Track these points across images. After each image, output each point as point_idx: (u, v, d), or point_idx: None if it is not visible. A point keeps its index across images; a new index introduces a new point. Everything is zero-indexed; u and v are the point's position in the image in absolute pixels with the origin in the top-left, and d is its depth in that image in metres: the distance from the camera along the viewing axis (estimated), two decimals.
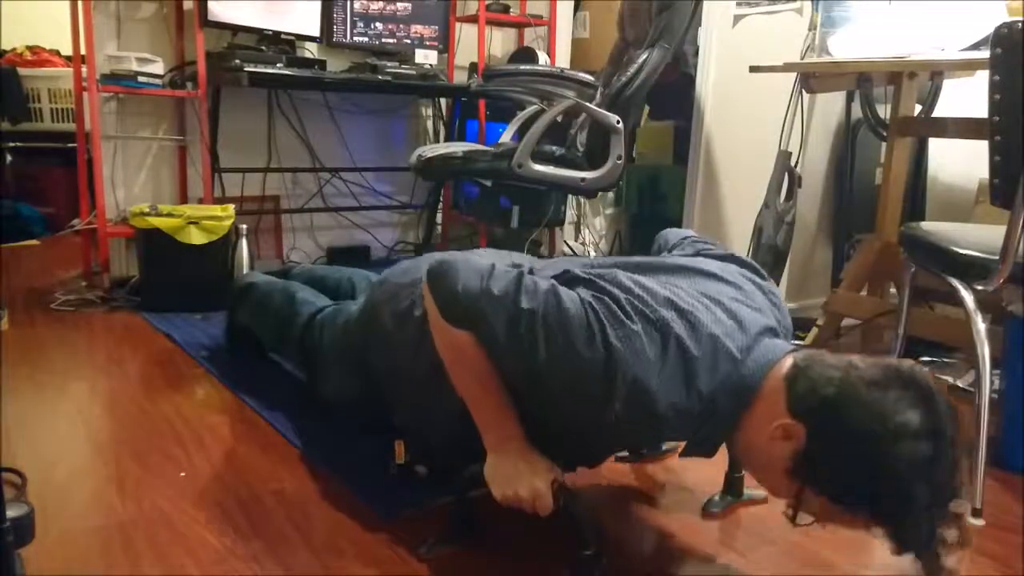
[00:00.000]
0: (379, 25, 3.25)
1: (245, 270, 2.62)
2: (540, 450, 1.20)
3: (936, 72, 2.45)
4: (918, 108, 2.50)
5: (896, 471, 0.94)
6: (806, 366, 1.04)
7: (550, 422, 1.19)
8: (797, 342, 2.39)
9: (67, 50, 3.32)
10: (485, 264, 1.16)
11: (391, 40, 3.29)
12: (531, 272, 1.18)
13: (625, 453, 1.61)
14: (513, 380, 1.17)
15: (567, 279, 1.17)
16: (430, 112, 3.70)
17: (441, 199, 3.61)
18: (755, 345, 1.10)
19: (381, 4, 3.23)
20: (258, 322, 1.99)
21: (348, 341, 1.63)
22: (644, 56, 2.54)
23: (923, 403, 0.95)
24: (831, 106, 2.69)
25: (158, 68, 2.75)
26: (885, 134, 2.56)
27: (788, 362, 1.07)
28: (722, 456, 1.45)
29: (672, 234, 1.52)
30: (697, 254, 1.35)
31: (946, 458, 0.95)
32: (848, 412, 0.97)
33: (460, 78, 3.55)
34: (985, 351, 1.48)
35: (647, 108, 3.59)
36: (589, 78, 2.77)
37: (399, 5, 3.27)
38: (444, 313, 1.17)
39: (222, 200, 2.94)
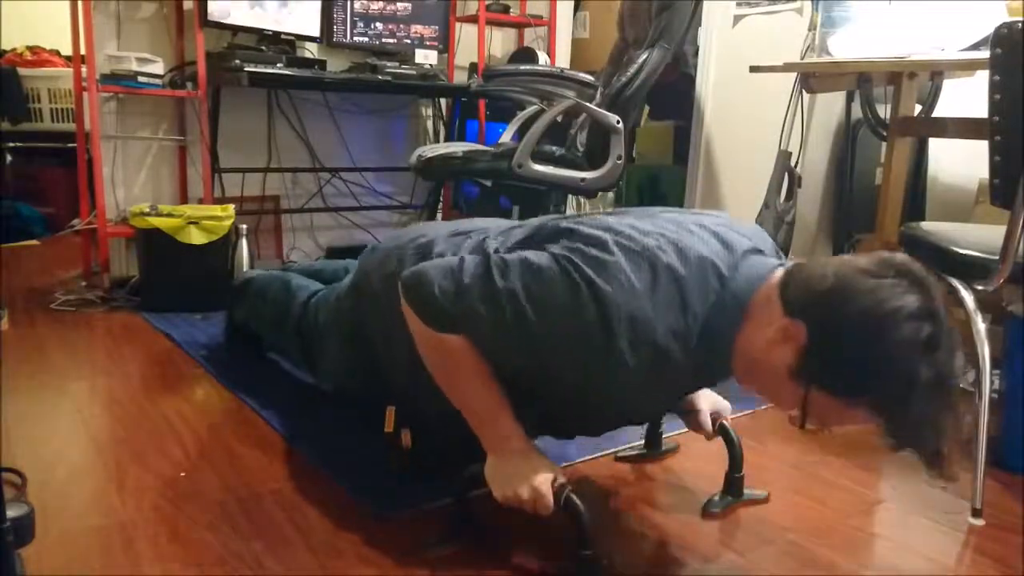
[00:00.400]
0: (379, 25, 3.25)
1: (245, 270, 2.62)
2: (549, 427, 1.19)
3: (936, 72, 2.45)
4: (918, 108, 2.50)
5: (898, 351, 0.94)
6: (797, 269, 1.06)
7: (555, 388, 1.18)
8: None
9: (67, 50, 3.32)
10: (452, 261, 1.17)
11: (391, 40, 3.29)
12: (513, 243, 1.19)
13: (625, 453, 1.62)
14: (515, 366, 1.16)
15: (548, 231, 1.17)
16: (430, 112, 3.70)
17: (441, 199, 3.61)
18: (742, 262, 1.11)
19: (381, 4, 3.23)
20: (256, 312, 2.00)
21: (341, 310, 1.63)
22: (644, 56, 2.54)
23: (918, 288, 0.97)
24: (831, 106, 2.69)
25: (158, 68, 2.75)
26: (885, 134, 2.56)
27: (778, 273, 1.09)
28: (722, 456, 1.45)
29: None
30: None
31: (945, 339, 0.96)
32: (846, 301, 0.98)
33: (460, 78, 3.55)
34: (985, 351, 1.48)
35: (647, 108, 3.59)
36: (589, 78, 2.77)
37: (399, 5, 3.27)
38: (427, 320, 1.17)
39: (222, 200, 2.94)
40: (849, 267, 1.00)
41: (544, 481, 1.15)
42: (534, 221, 1.35)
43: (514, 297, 1.08)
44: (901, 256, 1.01)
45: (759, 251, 1.16)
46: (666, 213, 1.22)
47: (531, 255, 1.12)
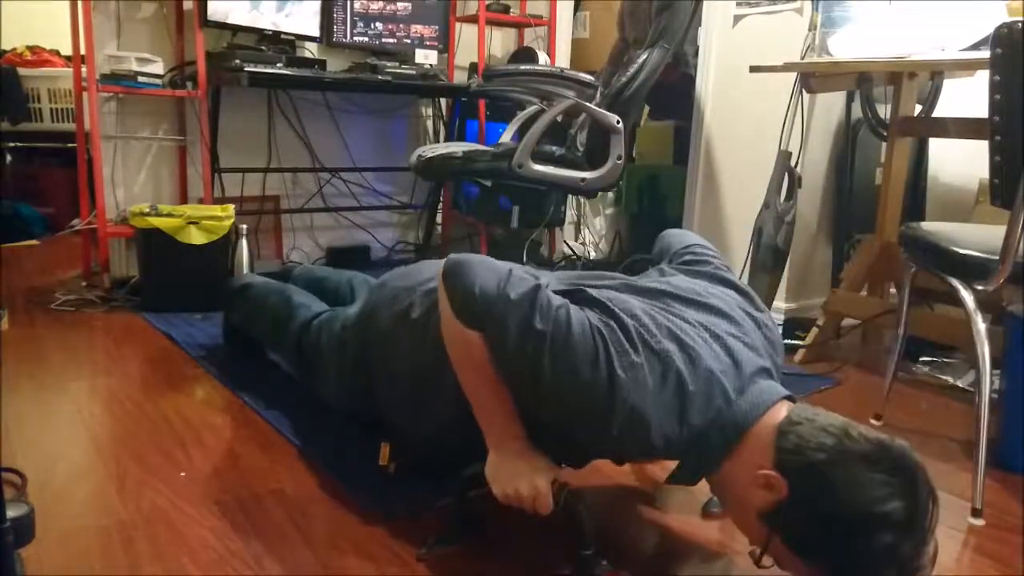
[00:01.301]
0: (379, 25, 3.25)
1: (245, 270, 2.63)
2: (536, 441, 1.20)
3: (936, 72, 2.45)
4: (918, 108, 2.51)
5: (868, 553, 0.95)
6: (800, 423, 1.04)
7: (544, 424, 1.19)
8: (798, 342, 2.40)
9: (67, 50, 3.32)
10: (503, 267, 1.16)
11: (391, 40, 3.29)
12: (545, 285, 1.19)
13: None
14: (513, 385, 1.17)
15: (580, 299, 1.16)
16: (430, 112, 3.70)
17: (441, 199, 3.61)
18: (749, 386, 1.11)
19: (381, 4, 3.23)
20: (254, 321, 2.00)
21: (345, 342, 1.63)
22: (644, 56, 2.54)
23: (909, 495, 0.96)
24: (831, 106, 2.69)
25: (158, 68, 2.75)
26: (885, 134, 2.56)
27: (781, 411, 1.08)
28: None
29: (675, 238, 1.51)
30: (696, 269, 1.35)
31: (918, 551, 0.96)
32: (833, 484, 0.97)
33: (460, 78, 3.55)
34: (985, 351, 1.49)
35: (647, 108, 3.59)
36: (589, 78, 2.77)
37: (399, 5, 3.27)
38: (457, 311, 1.16)
39: (222, 200, 2.94)
40: (848, 446, 0.99)
41: (544, 480, 1.16)
42: (562, 276, 1.36)
43: (542, 335, 1.08)
44: (900, 446, 0.99)
45: (767, 371, 1.16)
46: (680, 303, 1.20)
47: (573, 311, 1.11)
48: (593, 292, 1.17)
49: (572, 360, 1.06)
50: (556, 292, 1.16)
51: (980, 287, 1.50)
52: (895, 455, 0.98)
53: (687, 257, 1.41)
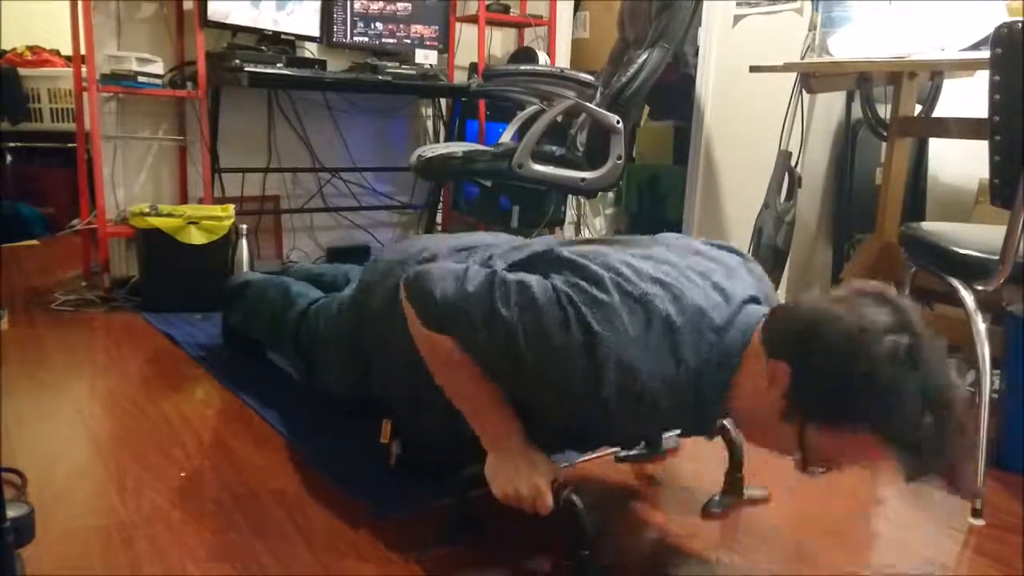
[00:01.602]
0: (379, 25, 3.25)
1: (245, 270, 2.62)
2: (532, 433, 1.20)
3: (936, 72, 2.45)
4: (918, 108, 2.50)
5: (880, 368, 0.94)
6: (775, 311, 1.07)
7: (540, 411, 1.19)
8: None
9: (67, 50, 3.32)
10: (458, 267, 1.18)
11: (391, 40, 3.29)
12: (513, 264, 1.20)
13: (625, 453, 1.62)
14: (497, 377, 1.17)
15: (550, 259, 1.17)
16: (430, 112, 3.70)
17: (441, 199, 3.61)
18: (738, 315, 1.11)
19: (381, 4, 3.23)
20: (253, 316, 2.00)
21: (342, 322, 1.63)
22: (644, 56, 2.54)
23: (889, 306, 0.98)
24: (831, 106, 2.68)
25: (158, 68, 2.75)
26: (885, 134, 2.56)
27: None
28: (722, 456, 1.45)
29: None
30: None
31: (927, 350, 0.96)
32: (820, 330, 0.98)
33: (460, 78, 3.55)
34: (985, 351, 1.49)
35: (647, 108, 3.59)
36: (589, 78, 2.77)
37: (399, 5, 3.27)
38: (422, 319, 1.17)
39: (222, 200, 2.94)
40: (822, 300, 1.02)
41: (544, 480, 1.16)
42: (537, 243, 1.35)
43: (510, 322, 1.09)
44: (873, 283, 1.01)
45: (756, 300, 1.16)
46: (668, 250, 1.20)
47: (533, 282, 1.11)
48: (564, 251, 1.17)
49: (544, 330, 1.06)
50: (518, 264, 1.17)
51: (980, 287, 1.50)
52: (868, 288, 1.00)
53: None
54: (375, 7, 3.22)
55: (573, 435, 1.27)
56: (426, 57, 3.30)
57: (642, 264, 1.13)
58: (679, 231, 3.06)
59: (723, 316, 1.09)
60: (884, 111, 2.63)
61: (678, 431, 1.47)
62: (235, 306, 2.07)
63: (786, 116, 2.39)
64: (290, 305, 1.83)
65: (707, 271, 1.15)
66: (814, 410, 0.99)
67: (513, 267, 1.23)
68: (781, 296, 2.60)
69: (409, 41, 3.32)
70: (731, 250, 1.28)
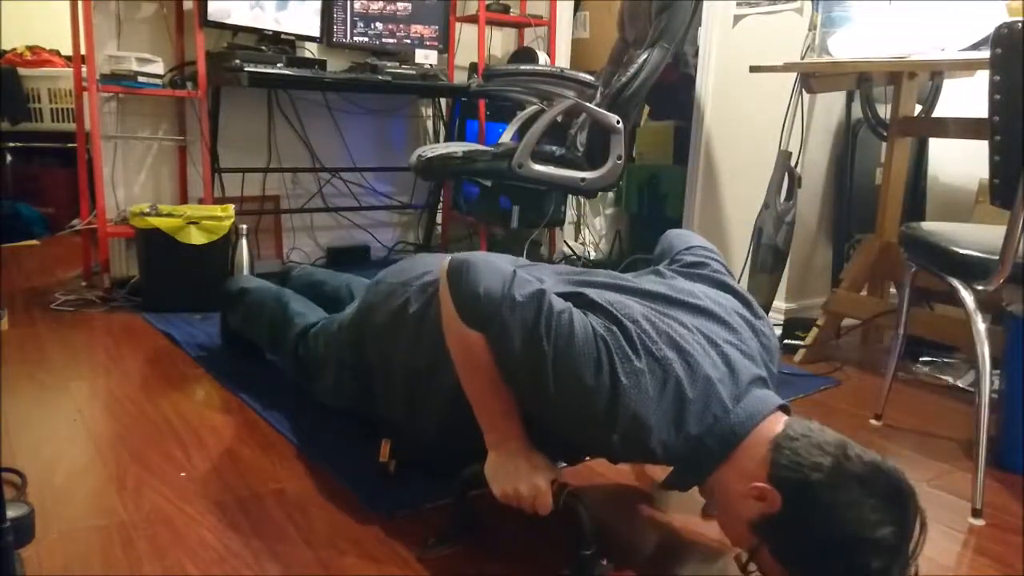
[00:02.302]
0: (379, 25, 3.25)
1: (245, 270, 2.62)
2: (534, 437, 1.21)
3: (936, 72, 2.45)
4: (918, 108, 2.50)
5: (855, 572, 0.96)
6: (796, 439, 1.04)
7: (542, 424, 1.20)
8: (798, 342, 2.40)
9: (67, 50, 3.32)
10: (507, 269, 1.16)
11: (391, 40, 3.29)
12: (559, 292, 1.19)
13: None
14: (515, 387, 1.17)
15: (581, 303, 1.16)
16: (430, 112, 3.70)
17: (441, 199, 3.61)
18: (745, 395, 1.11)
19: (381, 4, 3.23)
20: (252, 327, 2.01)
21: (342, 340, 1.63)
22: (644, 56, 2.54)
23: (900, 522, 0.97)
24: (831, 106, 2.68)
25: (158, 68, 2.75)
26: (885, 134, 2.56)
27: (777, 423, 1.09)
28: None
29: (677, 239, 1.51)
30: (695, 272, 1.35)
31: (899, 569, 0.97)
32: (827, 505, 0.98)
33: (460, 78, 3.55)
34: (985, 351, 1.48)
35: (647, 108, 3.59)
36: (589, 78, 2.77)
37: (399, 5, 3.27)
38: (461, 313, 1.16)
39: (222, 200, 2.94)
40: (845, 467, 0.99)
41: (544, 480, 1.16)
42: (562, 272, 1.34)
43: (547, 340, 1.09)
44: (895, 470, 0.99)
45: (763, 380, 1.17)
46: (681, 305, 1.20)
47: (576, 316, 1.11)
48: (594, 295, 1.17)
49: (576, 366, 1.07)
50: (558, 295, 1.16)
51: (980, 287, 1.50)
52: (891, 479, 0.98)
53: (688, 258, 1.40)
54: (375, 7, 3.22)
55: (567, 452, 1.31)
56: (426, 57, 3.30)
57: (659, 321, 1.13)
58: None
59: (730, 393, 1.10)
60: (884, 111, 2.63)
61: None
62: (232, 311, 2.07)
63: (786, 116, 2.39)
64: (288, 323, 1.83)
65: (715, 336, 1.16)
66: (780, 549, 1.03)
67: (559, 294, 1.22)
68: (781, 297, 2.61)
69: (409, 41, 3.32)
70: (735, 293, 1.29)
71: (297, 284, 2.12)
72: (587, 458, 1.51)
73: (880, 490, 0.97)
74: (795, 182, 2.39)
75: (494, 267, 1.16)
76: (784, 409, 1.14)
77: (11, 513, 0.91)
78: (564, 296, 1.17)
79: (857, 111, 2.72)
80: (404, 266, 1.57)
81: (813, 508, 0.99)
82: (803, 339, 2.42)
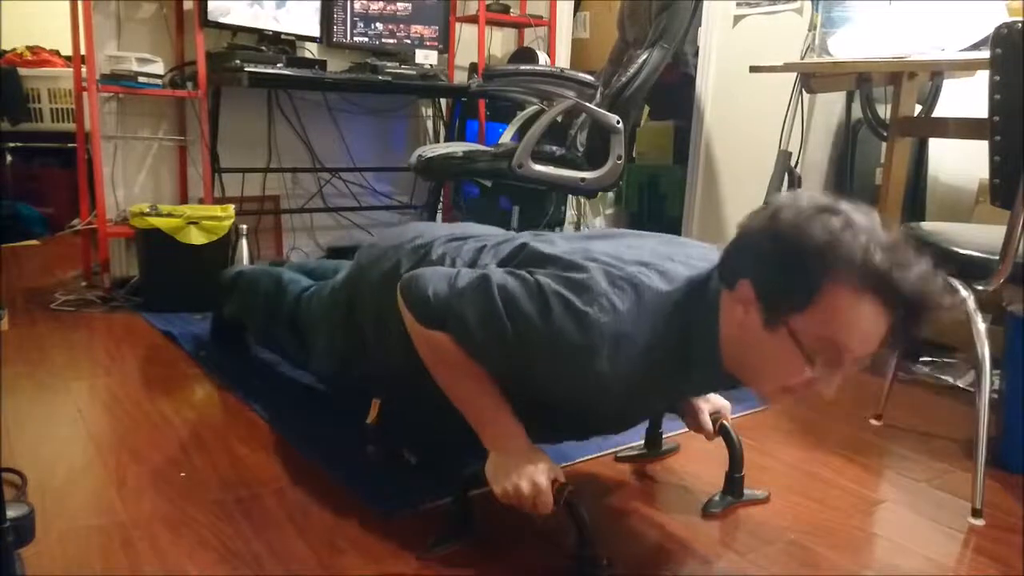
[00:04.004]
0: (379, 25, 3.25)
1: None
2: (530, 426, 1.22)
3: (936, 72, 2.45)
4: (918, 108, 2.50)
5: (819, 232, 0.98)
6: (722, 248, 1.12)
7: (537, 400, 1.21)
8: None
9: (67, 50, 3.31)
10: (451, 270, 1.24)
11: (391, 40, 3.29)
12: (502, 260, 1.28)
13: (625, 453, 1.62)
14: (496, 371, 1.20)
15: (537, 256, 1.23)
16: (430, 112, 3.70)
17: (441, 199, 3.60)
18: (712, 273, 1.15)
19: (381, 4, 3.23)
20: (247, 305, 2.00)
21: (336, 302, 1.65)
22: (644, 56, 2.54)
23: (814, 201, 1.03)
24: (831, 106, 2.68)
25: (158, 68, 2.75)
26: (885, 134, 2.56)
27: None
28: (722, 456, 1.45)
29: None
30: None
31: (857, 217, 0.99)
32: (765, 230, 1.03)
33: (460, 78, 3.55)
34: (985, 351, 1.48)
35: (647, 108, 3.59)
36: (589, 78, 2.77)
37: (399, 5, 3.27)
38: (418, 317, 1.22)
39: (222, 200, 2.94)
40: (751, 217, 1.07)
41: (544, 478, 1.16)
42: (520, 238, 1.39)
43: (500, 319, 1.14)
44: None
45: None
46: (643, 241, 1.28)
47: (522, 278, 1.17)
48: (546, 247, 1.23)
49: (536, 321, 1.11)
50: (504, 260, 1.25)
51: (980, 287, 1.50)
52: (793, 192, 1.09)
53: None
54: (375, 7, 3.22)
55: (572, 423, 1.30)
56: (426, 57, 3.30)
57: (622, 251, 1.19)
58: (679, 231, 3.06)
59: (704, 281, 1.14)
60: (884, 111, 2.63)
61: (684, 428, 1.48)
62: (228, 298, 2.08)
63: (786, 116, 2.39)
64: (283, 291, 1.86)
65: (676, 257, 1.21)
66: (787, 298, 1.02)
67: (502, 264, 1.29)
68: None
69: (409, 41, 3.32)
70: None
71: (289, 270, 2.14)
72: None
73: (794, 194, 1.05)
74: (795, 182, 2.39)
75: (439, 272, 1.25)
76: None
77: (11, 513, 0.91)
78: (517, 255, 1.26)
79: (857, 111, 2.72)
80: (396, 231, 1.60)
81: (762, 246, 1.03)
82: None
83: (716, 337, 1.11)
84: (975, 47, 1.95)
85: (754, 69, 2.38)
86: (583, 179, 2.49)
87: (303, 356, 1.81)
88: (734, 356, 1.11)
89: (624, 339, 1.08)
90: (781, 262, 1.01)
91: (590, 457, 1.60)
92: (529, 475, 1.16)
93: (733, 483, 1.45)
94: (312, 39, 3.15)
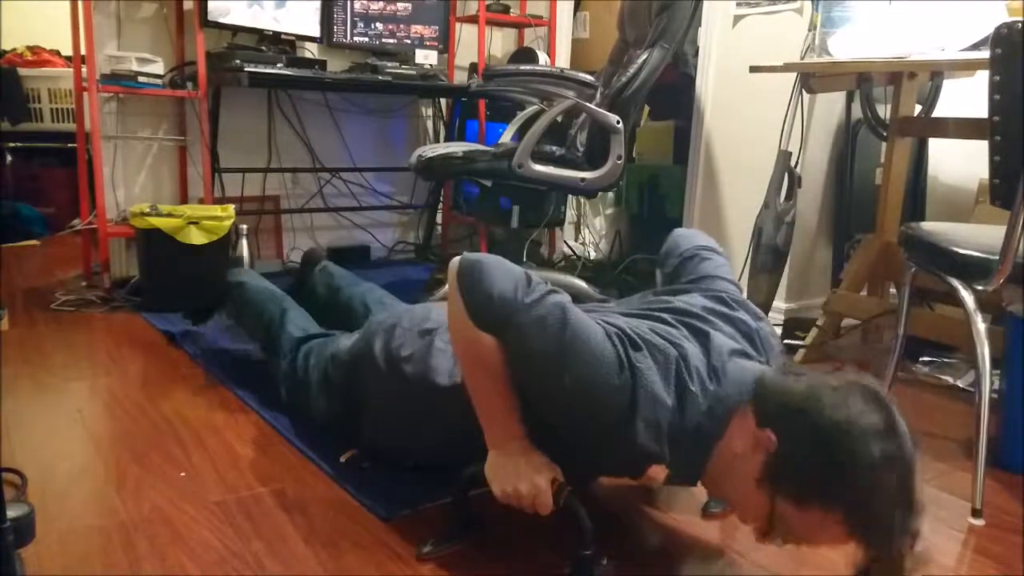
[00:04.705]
0: (379, 25, 3.25)
1: (244, 268, 2.62)
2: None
3: (936, 72, 2.45)
4: (918, 108, 2.50)
5: (863, 463, 0.97)
6: (770, 380, 1.09)
7: (560, 438, 1.19)
8: (798, 342, 2.40)
9: (67, 50, 3.32)
10: (519, 271, 1.15)
11: (391, 40, 3.29)
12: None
13: None
14: (527, 389, 1.17)
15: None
16: (430, 112, 3.70)
17: (441, 199, 3.60)
18: (727, 366, 1.14)
19: (381, 4, 3.23)
20: (248, 324, 1.99)
21: (336, 376, 1.60)
22: (644, 56, 2.54)
23: (882, 408, 1.02)
24: (831, 106, 2.68)
25: (158, 68, 2.75)
26: (885, 134, 2.56)
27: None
28: None
29: (683, 239, 1.54)
30: (698, 277, 1.41)
31: (907, 458, 0.99)
32: (815, 413, 1.01)
33: (460, 78, 3.55)
34: (985, 351, 1.49)
35: (647, 108, 3.58)
36: (589, 78, 2.77)
37: (399, 5, 3.27)
38: (473, 314, 1.14)
39: (222, 200, 2.94)
40: (818, 381, 1.05)
41: (544, 479, 1.16)
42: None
43: (564, 344, 1.09)
44: (863, 376, 1.06)
45: (741, 352, 1.19)
46: (662, 304, 1.28)
47: (586, 316, 1.14)
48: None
49: (596, 364, 1.08)
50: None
51: (980, 287, 1.50)
52: (861, 382, 1.05)
53: (691, 263, 1.46)
54: (375, 7, 3.22)
55: (583, 468, 1.28)
56: (426, 57, 3.30)
57: (645, 324, 1.18)
58: None
59: (712, 369, 1.13)
60: (884, 111, 2.63)
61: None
62: (230, 305, 2.06)
63: (786, 116, 2.39)
64: (283, 331, 1.80)
65: (693, 324, 1.21)
66: (792, 485, 1.02)
67: None
68: (781, 297, 2.61)
69: (409, 41, 3.32)
70: (725, 303, 1.31)
71: (319, 281, 2.10)
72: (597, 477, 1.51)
73: (855, 389, 1.03)
74: (795, 182, 2.38)
75: (506, 269, 1.15)
76: None
77: (11, 513, 0.91)
78: None
79: (857, 111, 2.72)
80: (405, 309, 1.57)
81: (803, 422, 1.02)
82: (803, 339, 2.42)
83: (716, 440, 1.11)
84: (975, 47, 1.95)
85: (754, 69, 2.38)
86: (583, 179, 2.49)
87: (293, 392, 1.75)
88: (717, 471, 1.13)
89: (657, 403, 1.07)
90: (816, 466, 1.00)
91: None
92: (529, 476, 1.16)
93: None
94: (312, 39, 3.15)
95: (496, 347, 1.14)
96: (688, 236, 1.55)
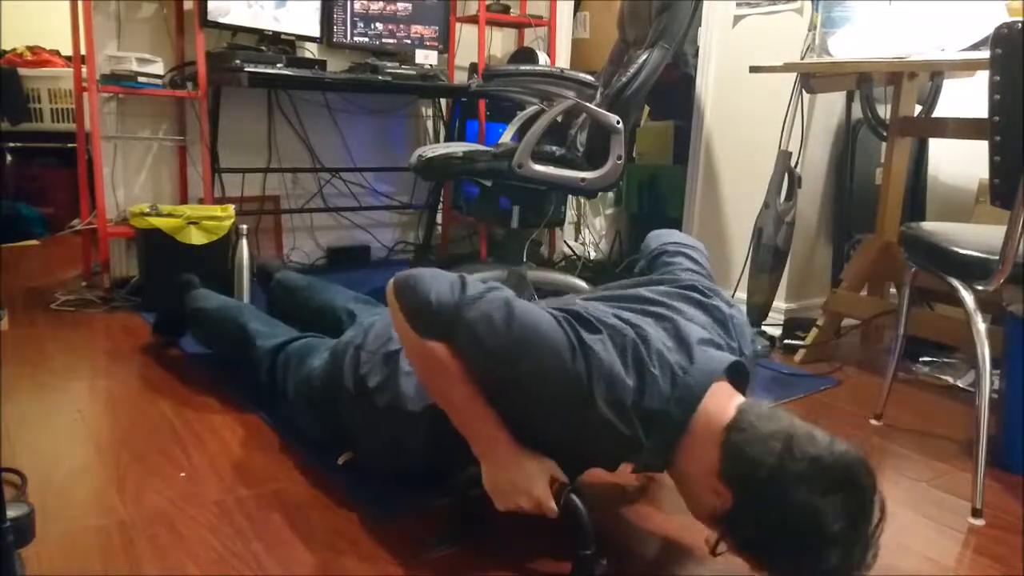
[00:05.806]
0: (379, 25, 3.25)
1: (245, 270, 2.62)
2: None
3: (936, 72, 2.45)
4: (918, 108, 2.51)
5: (811, 564, 0.97)
6: (745, 431, 1.05)
7: (525, 427, 1.18)
8: (798, 342, 2.40)
9: (67, 50, 3.32)
10: (452, 275, 1.16)
11: (391, 40, 3.29)
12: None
13: None
14: (488, 387, 1.15)
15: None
16: (430, 112, 3.70)
17: (441, 199, 3.60)
18: (697, 354, 1.14)
19: (381, 4, 3.23)
20: (219, 350, 2.02)
21: (311, 394, 1.57)
22: (644, 56, 2.54)
23: (851, 510, 0.97)
24: (831, 106, 2.68)
25: (158, 68, 2.75)
26: (885, 134, 2.56)
27: (731, 405, 1.09)
28: None
29: (654, 239, 1.60)
30: (670, 270, 1.45)
31: (862, 558, 0.98)
32: (775, 503, 0.99)
33: (460, 78, 3.55)
34: (985, 351, 1.49)
35: (647, 108, 3.59)
36: (589, 78, 2.77)
37: (399, 5, 3.27)
38: (415, 324, 1.14)
39: (222, 200, 2.94)
40: (786, 467, 0.99)
41: (542, 488, 1.15)
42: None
43: (512, 336, 1.09)
44: (842, 462, 0.99)
45: (711, 341, 1.20)
46: (624, 299, 1.27)
47: (532, 304, 1.15)
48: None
49: (550, 350, 1.08)
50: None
51: (980, 287, 1.50)
52: (836, 472, 0.98)
53: (662, 258, 1.51)
54: (375, 7, 3.22)
55: (557, 453, 1.26)
56: (426, 57, 3.30)
57: (607, 306, 1.20)
58: (678, 230, 3.05)
59: (682, 356, 1.13)
60: (884, 111, 2.63)
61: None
62: (196, 331, 2.07)
63: (786, 116, 2.39)
64: (250, 345, 1.77)
65: (659, 311, 1.21)
66: (738, 541, 1.05)
67: None
68: (781, 297, 2.61)
69: (409, 41, 3.32)
70: (698, 290, 1.32)
71: (279, 290, 2.13)
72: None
73: (828, 485, 0.97)
74: (795, 182, 2.39)
75: (439, 274, 1.16)
76: (737, 368, 1.16)
77: (11, 513, 0.91)
78: None
79: (857, 111, 2.72)
80: (367, 327, 1.50)
81: (761, 505, 1.01)
82: (803, 339, 2.42)
83: (674, 445, 1.11)
84: (975, 47, 1.95)
85: (754, 69, 2.38)
86: (583, 179, 2.49)
87: (276, 401, 1.73)
88: (677, 474, 1.15)
89: (617, 382, 1.07)
90: (768, 546, 1.02)
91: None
92: (526, 490, 1.15)
93: None
94: (312, 39, 3.15)
95: (450, 354, 1.12)
96: (660, 235, 1.60)
